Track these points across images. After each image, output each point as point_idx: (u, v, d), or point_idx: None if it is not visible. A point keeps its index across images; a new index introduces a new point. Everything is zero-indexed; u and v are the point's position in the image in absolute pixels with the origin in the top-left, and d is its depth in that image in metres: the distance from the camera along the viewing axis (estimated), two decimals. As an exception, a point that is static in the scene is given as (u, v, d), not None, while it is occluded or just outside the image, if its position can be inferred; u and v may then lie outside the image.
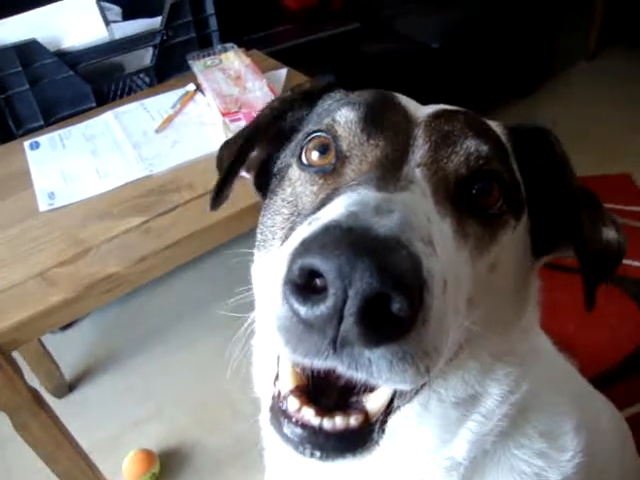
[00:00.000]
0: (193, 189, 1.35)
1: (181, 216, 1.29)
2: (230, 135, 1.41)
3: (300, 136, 0.64)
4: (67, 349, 2.14)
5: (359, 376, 0.41)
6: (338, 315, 0.37)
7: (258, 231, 0.65)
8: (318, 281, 0.37)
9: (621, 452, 0.97)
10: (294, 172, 0.60)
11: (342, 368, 0.41)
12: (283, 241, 0.56)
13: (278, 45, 2.23)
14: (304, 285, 0.38)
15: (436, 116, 0.58)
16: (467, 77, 2.80)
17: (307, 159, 0.58)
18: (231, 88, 1.52)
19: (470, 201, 0.53)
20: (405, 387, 0.43)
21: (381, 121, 0.55)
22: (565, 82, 3.40)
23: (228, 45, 1.71)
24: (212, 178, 1.36)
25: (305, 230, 0.41)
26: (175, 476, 1.79)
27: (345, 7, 2.76)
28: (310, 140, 0.59)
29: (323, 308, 0.37)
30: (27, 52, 1.58)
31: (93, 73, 1.71)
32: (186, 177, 1.39)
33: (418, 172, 0.51)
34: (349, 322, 0.37)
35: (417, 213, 0.42)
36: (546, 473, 0.68)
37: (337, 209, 0.41)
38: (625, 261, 1.99)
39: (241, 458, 1.78)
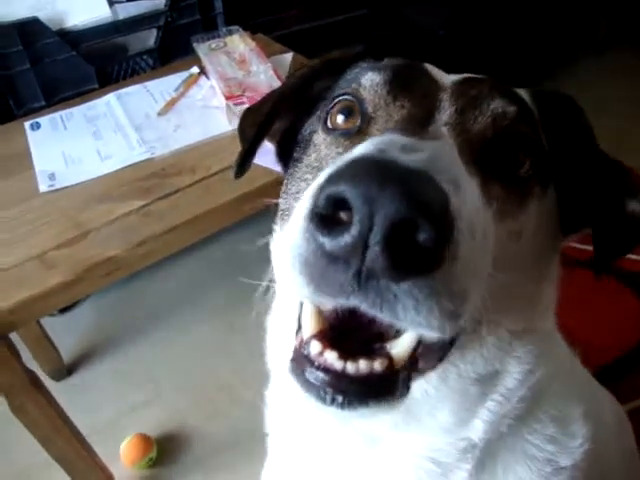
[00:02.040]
0: (195, 173, 1.34)
1: (182, 200, 1.27)
2: (234, 119, 1.40)
3: (326, 103, 0.63)
4: (66, 332, 2.13)
5: (384, 316, 0.39)
6: (363, 244, 0.36)
7: (281, 201, 0.64)
8: (343, 215, 0.36)
9: (623, 445, 0.96)
10: (319, 137, 0.59)
11: (366, 306, 0.39)
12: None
13: (284, 30, 2.22)
14: (329, 217, 0.37)
15: (463, 82, 0.57)
16: (473, 65, 2.76)
17: (332, 123, 0.57)
18: (235, 71, 1.50)
19: (496, 163, 0.52)
20: (431, 333, 0.41)
21: (407, 84, 0.55)
22: (572, 75, 3.36)
23: (233, 28, 1.68)
24: (214, 162, 1.37)
25: (331, 168, 0.39)
26: (172, 461, 1.78)
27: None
28: (335, 104, 0.58)
29: (348, 237, 0.36)
30: (29, 31, 1.57)
31: (96, 53, 1.69)
32: (188, 161, 1.38)
33: (445, 130, 0.50)
34: (375, 251, 0.35)
35: (446, 158, 0.41)
36: (556, 458, 0.67)
37: (364, 148, 0.40)
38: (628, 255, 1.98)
39: (239, 444, 1.78)
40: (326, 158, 0.57)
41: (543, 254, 0.60)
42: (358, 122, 0.55)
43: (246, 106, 1.40)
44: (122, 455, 1.74)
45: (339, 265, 0.37)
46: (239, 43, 1.61)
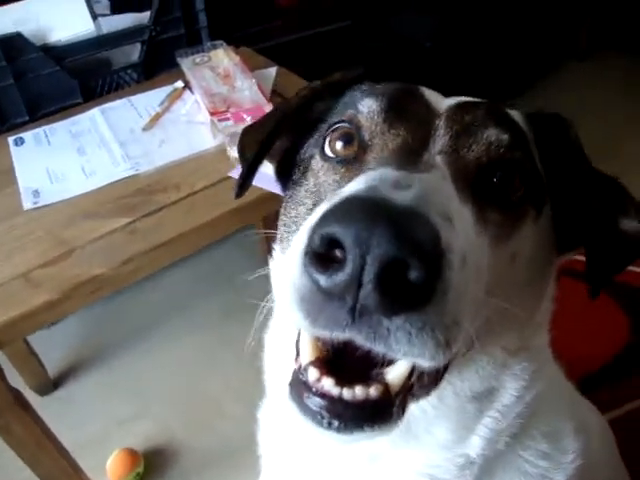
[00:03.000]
0: (180, 190, 1.34)
1: (167, 217, 1.27)
2: (218, 135, 1.40)
3: (324, 126, 0.64)
4: (52, 345, 2.12)
5: (378, 348, 0.41)
6: (357, 282, 0.37)
7: (280, 224, 0.65)
8: (338, 252, 0.37)
9: (608, 455, 0.98)
10: (317, 163, 0.60)
11: (361, 339, 0.40)
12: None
13: (269, 42, 2.22)
14: (324, 255, 0.38)
15: (458, 107, 0.58)
16: (459, 76, 2.80)
17: (331, 149, 0.58)
18: (219, 87, 1.51)
19: (491, 190, 0.53)
20: (425, 362, 0.42)
21: (403, 111, 0.56)
22: (556, 82, 3.41)
23: (217, 42, 1.68)
24: (199, 179, 1.37)
25: (325, 206, 0.41)
26: (160, 476, 1.78)
27: (338, 4, 2.74)
28: (334, 130, 0.59)
29: (342, 275, 0.37)
30: (12, 46, 1.56)
31: (80, 68, 1.68)
32: (173, 177, 1.38)
33: (439, 159, 0.51)
34: (367, 289, 0.37)
35: (436, 191, 0.42)
36: (550, 474, 0.69)
37: (357, 185, 0.41)
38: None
39: (227, 459, 1.78)
40: (324, 184, 0.58)
41: (538, 274, 0.61)
42: (356, 147, 0.57)
43: (230, 122, 1.42)
44: (108, 470, 1.73)
45: (334, 301, 0.39)
46: (223, 57, 1.62)
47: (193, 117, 1.54)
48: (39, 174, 1.42)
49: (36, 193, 1.36)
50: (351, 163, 0.56)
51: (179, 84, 1.67)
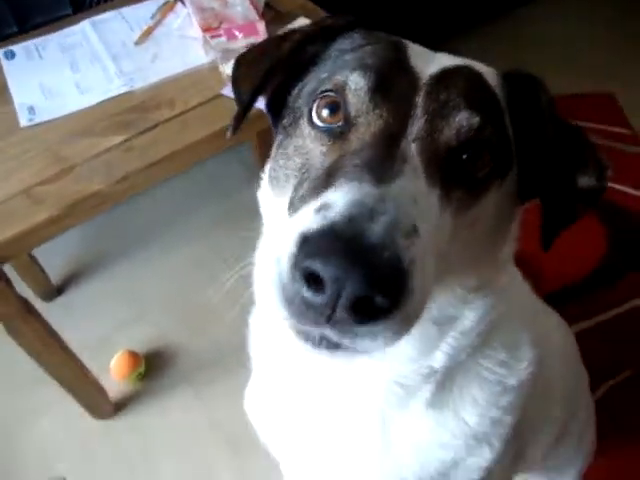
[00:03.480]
0: (173, 106, 1.36)
1: (162, 134, 1.30)
2: (210, 52, 1.41)
3: (314, 83, 0.67)
4: (53, 254, 2.18)
5: (347, 343, 0.49)
6: (333, 305, 0.45)
7: (270, 164, 0.69)
8: (322, 274, 0.45)
9: (564, 366, 1.08)
10: (306, 127, 0.63)
11: (334, 335, 0.48)
12: (294, 188, 0.61)
13: None
14: (308, 275, 0.46)
15: (438, 80, 0.60)
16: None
17: (318, 115, 0.62)
18: (212, 1, 1.49)
19: (460, 166, 0.58)
20: (385, 347, 0.50)
21: (387, 90, 0.59)
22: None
23: (208, -48, 1.64)
24: (192, 95, 1.40)
25: (311, 221, 0.47)
26: (160, 375, 1.90)
27: None
28: (322, 98, 0.62)
29: (322, 298, 0.45)
30: (-2, -46, 1.52)
31: (68, -23, 1.65)
32: (166, 93, 1.39)
33: (413, 147, 0.55)
34: (341, 311, 0.45)
35: (405, 205, 0.48)
36: (505, 380, 0.77)
37: (339, 205, 0.47)
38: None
39: (221, 360, 1.90)
40: (311, 153, 0.61)
41: (498, 226, 0.66)
42: (341, 122, 0.60)
43: (223, 39, 1.42)
44: (112, 370, 1.85)
45: (314, 310, 0.47)
46: (215, -32, 1.58)
47: (185, 32, 1.53)
48: (33, 90, 1.43)
49: (31, 109, 1.38)
50: (337, 138, 0.60)
51: (170, -5, 1.65)
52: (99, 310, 2.10)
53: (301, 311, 0.47)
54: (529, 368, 0.79)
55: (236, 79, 0.76)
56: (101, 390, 1.74)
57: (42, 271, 2.04)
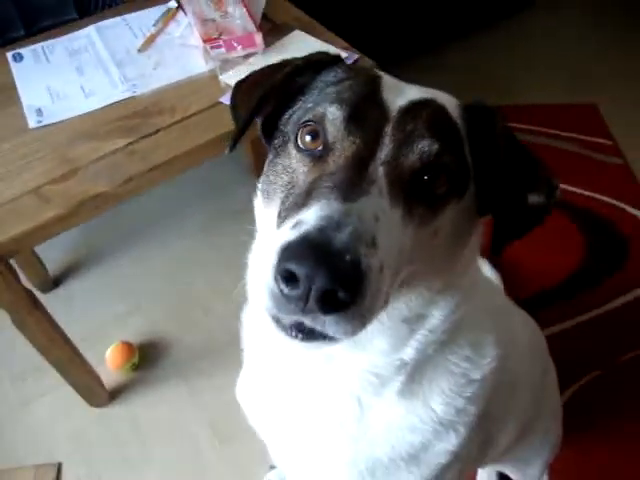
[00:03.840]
0: (175, 113, 1.44)
1: (163, 139, 1.38)
2: (210, 62, 1.49)
3: (300, 112, 0.76)
4: (52, 247, 2.25)
5: (318, 328, 0.59)
6: (305, 297, 0.55)
7: (262, 178, 0.78)
8: (295, 272, 0.55)
9: (531, 363, 1.17)
10: (292, 150, 0.73)
11: (308, 322, 0.59)
12: (282, 201, 0.70)
13: None
14: (287, 275, 0.56)
15: (405, 112, 0.69)
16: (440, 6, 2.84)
17: (301, 140, 0.71)
18: (212, 12, 1.57)
19: (420, 187, 0.67)
20: (349, 335, 0.60)
21: (360, 120, 0.68)
22: (545, 9, 3.42)
23: (210, -36, 1.72)
24: (192, 102, 1.48)
25: (289, 234, 0.57)
26: (153, 366, 1.99)
27: None
28: (305, 126, 0.71)
29: (297, 292, 0.55)
30: (8, -40, 1.60)
31: (75, -17, 1.72)
32: (168, 100, 1.47)
33: (381, 170, 0.64)
34: (312, 302, 0.55)
35: (367, 220, 0.58)
36: (470, 373, 0.87)
37: (311, 220, 0.57)
38: (575, 189, 2.17)
39: (213, 352, 1.99)
40: (296, 172, 0.71)
41: (459, 237, 0.75)
42: (321, 146, 0.69)
43: (222, 50, 1.51)
44: (107, 360, 1.93)
45: (291, 302, 0.57)
46: (216, -20, 1.67)
47: (186, 40, 1.61)
48: (41, 92, 1.51)
49: (39, 112, 1.46)
50: (317, 160, 0.69)
51: (172, 4, 1.73)
52: (95, 302, 2.18)
53: (282, 303, 0.58)
54: (492, 364, 0.88)
55: (234, 103, 0.86)
56: (97, 379, 1.82)
57: (40, 263, 2.11)
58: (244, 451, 1.76)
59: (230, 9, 1.57)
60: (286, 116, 0.79)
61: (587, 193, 2.42)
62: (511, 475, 1.55)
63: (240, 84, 0.87)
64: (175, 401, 1.91)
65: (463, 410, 0.87)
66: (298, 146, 0.71)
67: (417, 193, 0.66)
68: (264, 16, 1.68)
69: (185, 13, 1.68)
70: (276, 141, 0.78)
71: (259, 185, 0.80)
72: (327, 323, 0.58)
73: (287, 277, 0.55)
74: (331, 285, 0.54)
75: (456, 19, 3.05)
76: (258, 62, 1.53)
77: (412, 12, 2.80)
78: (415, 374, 0.83)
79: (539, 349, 1.31)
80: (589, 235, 2.29)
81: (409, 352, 0.78)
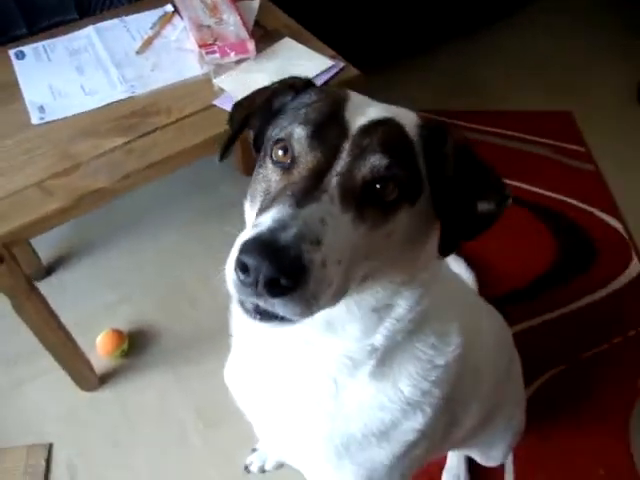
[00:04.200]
0: (170, 114, 1.53)
1: (160, 138, 1.47)
2: (205, 66, 1.59)
3: (277, 130, 0.85)
4: (45, 235, 2.32)
5: (270, 309, 0.69)
6: (255, 283, 0.66)
7: (250, 185, 0.88)
8: (247, 263, 0.66)
9: (495, 353, 1.28)
10: (268, 162, 0.83)
11: (262, 303, 0.69)
12: (259, 206, 0.80)
13: None
14: (243, 266, 0.66)
15: (363, 130, 0.78)
16: (436, 4, 2.95)
17: (274, 154, 0.81)
18: (207, 18, 1.66)
19: (373, 193, 0.76)
20: (297, 316, 0.70)
21: (322, 138, 0.77)
22: (533, 13, 3.54)
23: (205, -30, 1.81)
24: (187, 104, 1.57)
25: (249, 232, 0.68)
26: (142, 353, 2.07)
27: None
28: (277, 142, 0.81)
29: (249, 279, 0.66)
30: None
31: (75, -16, 1.80)
32: (164, 101, 1.56)
33: (334, 180, 0.74)
34: (260, 287, 0.66)
35: (312, 223, 0.68)
36: (434, 359, 0.97)
37: (266, 222, 0.68)
38: (549, 193, 2.31)
39: (200, 341, 2.08)
40: (271, 180, 0.81)
41: (417, 237, 0.84)
42: (289, 160, 0.79)
43: (217, 56, 1.60)
44: (98, 346, 2.01)
45: (247, 287, 0.67)
46: (211, -13, 1.75)
47: (182, 44, 1.69)
48: (43, 90, 1.59)
49: (42, 109, 1.54)
50: (286, 170, 0.79)
51: (169, 8, 1.81)
52: (86, 291, 2.26)
53: (240, 289, 0.69)
54: (455, 351, 0.99)
55: (229, 120, 0.98)
56: (88, 364, 1.90)
57: (34, 252, 2.18)
58: (228, 435, 1.86)
59: (225, 16, 1.66)
60: (269, 132, 0.89)
61: (560, 197, 2.55)
62: (477, 458, 1.66)
63: (238, 104, 0.99)
64: (162, 387, 2.00)
65: (428, 392, 0.98)
66: (272, 159, 0.82)
67: (369, 200, 0.76)
68: (256, 22, 1.77)
69: (181, 17, 1.76)
70: (261, 154, 0.88)
71: (248, 190, 0.90)
72: (276, 305, 0.68)
73: (242, 267, 0.66)
74: (273, 274, 0.64)
75: (443, 24, 3.15)
76: (250, 67, 1.62)
77: (400, 16, 2.89)
78: (385, 358, 0.93)
79: (504, 341, 1.42)
80: (560, 237, 2.42)
81: (379, 338, 0.89)
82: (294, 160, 0.79)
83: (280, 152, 0.81)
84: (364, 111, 0.82)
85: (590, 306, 2.18)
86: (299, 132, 0.79)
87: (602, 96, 3.06)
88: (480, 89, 3.07)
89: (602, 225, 2.45)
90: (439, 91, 3.04)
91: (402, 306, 0.88)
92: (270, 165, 0.82)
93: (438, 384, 0.98)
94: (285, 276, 0.64)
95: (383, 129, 0.79)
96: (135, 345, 2.09)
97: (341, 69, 1.62)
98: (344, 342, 0.89)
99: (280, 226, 0.67)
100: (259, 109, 0.91)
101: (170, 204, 2.54)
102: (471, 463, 1.76)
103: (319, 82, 1.57)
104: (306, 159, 0.78)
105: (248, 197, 0.87)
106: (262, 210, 0.75)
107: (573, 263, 2.34)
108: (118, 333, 2.04)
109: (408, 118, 0.84)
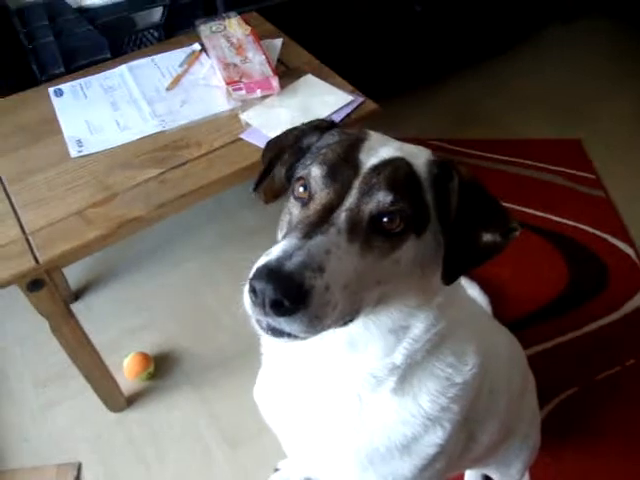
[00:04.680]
0: (200, 147, 1.63)
1: (191, 170, 1.57)
2: (231, 101, 1.69)
3: (300, 168, 0.94)
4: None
5: (277, 326, 0.77)
6: (263, 304, 0.73)
7: (282, 217, 0.94)
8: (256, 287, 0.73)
9: (510, 373, 1.34)
10: (291, 197, 0.91)
11: (270, 321, 0.76)
12: (282, 237, 0.86)
13: (270, 1, 2.38)
14: (254, 289, 0.74)
15: (374, 169, 0.85)
16: (445, 37, 3.04)
17: (296, 190, 0.89)
18: (233, 57, 1.77)
19: (380, 226, 0.83)
20: (302, 335, 0.77)
21: (336, 176, 0.85)
22: (538, 44, 3.62)
23: (231, 13, 1.93)
24: (216, 138, 1.68)
25: (262, 260, 0.76)
26: (167, 376, 2.14)
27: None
28: (297, 180, 0.90)
29: (258, 301, 0.74)
30: (53, 8, 1.80)
31: (109, 27, 1.92)
32: (194, 136, 1.66)
33: (343, 215, 0.81)
34: (267, 308, 0.73)
35: (316, 253, 0.75)
36: (453, 377, 1.03)
37: (275, 252, 0.75)
38: (561, 219, 2.38)
39: (222, 364, 2.14)
40: (293, 213, 0.89)
41: (427, 263, 0.90)
42: (307, 195, 0.87)
43: (243, 92, 1.70)
44: (125, 369, 2.08)
45: (257, 307, 0.74)
46: (237, 28, 1.86)
47: (209, 81, 1.80)
48: (80, 125, 1.70)
49: (79, 142, 1.64)
50: (305, 205, 0.87)
51: (197, 46, 1.93)
52: (112, 316, 2.33)
53: (253, 308, 0.76)
54: (473, 370, 1.05)
55: (263, 156, 1.06)
56: (117, 385, 1.98)
57: (63, 277, 2.28)
58: (251, 455, 1.91)
59: (250, 55, 1.77)
60: (297, 167, 0.97)
61: (571, 223, 2.61)
62: (494, 477, 1.71)
63: (269, 143, 1.07)
64: (187, 408, 2.06)
65: (447, 408, 1.03)
66: (294, 194, 0.90)
67: (376, 231, 0.83)
68: (279, 60, 1.87)
69: (207, 55, 1.87)
70: (290, 188, 0.95)
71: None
72: (283, 323, 0.75)
73: (254, 290, 0.74)
74: (276, 296, 0.72)
75: (450, 56, 3.24)
76: (274, 103, 1.72)
77: (408, 49, 2.99)
78: (406, 375, 0.99)
79: (518, 362, 1.48)
80: (572, 262, 2.47)
81: (398, 357, 0.95)
82: (311, 196, 0.87)
83: (301, 189, 0.89)
84: (377, 151, 0.89)
85: (603, 329, 2.22)
86: (315, 171, 0.87)
87: (609, 124, 3.13)
88: (487, 119, 3.16)
89: (613, 250, 2.50)
90: (448, 121, 3.13)
91: (418, 327, 0.94)
92: (292, 200, 0.90)
93: (456, 400, 1.04)
94: (287, 299, 0.72)
95: (391, 168, 0.86)
96: (160, 368, 2.16)
97: (361, 103, 1.72)
98: (367, 360, 0.96)
99: (286, 255, 0.74)
100: (289, 147, 1.00)
101: (192, 230, 2.63)
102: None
103: (340, 116, 1.66)
104: (320, 195, 0.85)
105: (278, 227, 0.95)
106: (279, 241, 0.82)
107: (586, 287, 2.39)
108: (144, 356, 2.11)
109: (420, 155, 0.91)
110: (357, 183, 0.84)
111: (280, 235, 0.92)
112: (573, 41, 3.69)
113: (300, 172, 0.91)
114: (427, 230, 0.88)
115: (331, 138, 0.96)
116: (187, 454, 1.96)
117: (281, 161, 1.01)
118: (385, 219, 0.83)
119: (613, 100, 3.28)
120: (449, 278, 0.89)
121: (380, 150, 0.89)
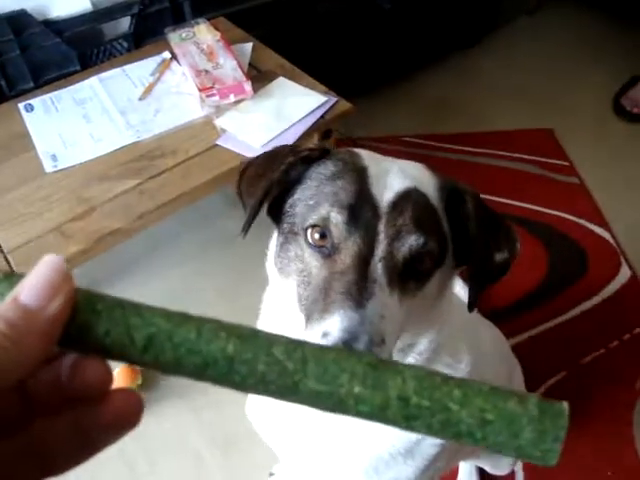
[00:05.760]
0: (176, 155, 1.62)
1: (168, 179, 1.56)
2: (205, 107, 1.68)
3: (303, 206, 0.87)
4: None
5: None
6: None
7: (275, 254, 0.91)
8: None
9: (496, 365, 1.36)
10: (303, 244, 0.84)
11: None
12: (300, 287, 0.83)
13: (237, 6, 2.36)
14: None
15: (393, 207, 0.81)
16: (415, 33, 3.06)
17: (311, 238, 0.83)
18: (205, 63, 1.76)
19: (410, 268, 0.80)
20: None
21: (358, 221, 0.80)
22: (506, 36, 3.67)
23: (200, 19, 1.92)
24: (191, 145, 1.67)
25: (320, 342, 0.70)
26: (155, 386, 2.11)
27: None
28: (313, 227, 0.83)
29: None
30: (18, 22, 1.77)
31: (77, 39, 1.90)
32: (169, 144, 1.66)
33: (379, 266, 0.77)
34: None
35: (376, 322, 0.72)
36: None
37: (335, 333, 0.71)
38: (538, 208, 2.40)
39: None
40: (310, 264, 0.83)
41: (443, 290, 0.90)
42: (329, 244, 0.81)
43: (216, 98, 1.70)
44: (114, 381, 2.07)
45: None
46: (206, 34, 1.85)
47: (182, 88, 1.79)
48: (53, 140, 1.68)
49: (54, 157, 1.62)
50: (327, 257, 0.81)
51: (167, 54, 1.91)
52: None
53: None
54: (467, 368, 1.06)
55: (239, 190, 0.99)
56: (105, 399, 1.96)
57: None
58: (244, 461, 1.91)
59: (221, 60, 1.76)
60: (289, 202, 0.91)
61: (548, 210, 2.64)
62: (486, 468, 1.73)
63: (243, 173, 1.00)
64: (178, 418, 2.05)
65: None
66: (309, 242, 0.84)
67: (407, 274, 0.81)
68: (250, 64, 1.87)
69: (178, 62, 1.86)
70: (285, 226, 0.90)
71: (271, 258, 0.94)
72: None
73: None
74: None
75: (419, 50, 3.26)
76: (248, 107, 1.72)
77: (377, 45, 3.00)
78: None
79: (503, 353, 1.49)
80: (552, 249, 2.50)
81: None
82: (334, 246, 0.81)
83: (317, 236, 0.83)
84: (386, 183, 0.85)
85: (586, 313, 2.26)
86: (336, 217, 0.81)
87: (580, 112, 3.19)
88: (460, 113, 3.18)
89: (590, 234, 2.54)
90: (421, 117, 3.15)
91: (423, 343, 0.95)
92: (306, 247, 0.84)
93: None
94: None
95: (412, 205, 0.82)
96: (148, 379, 2.14)
97: (334, 103, 1.72)
98: None
99: (352, 337, 0.70)
100: (277, 183, 0.91)
101: (177, 240, 2.61)
102: (482, 472, 1.82)
103: (314, 117, 1.67)
104: (347, 245, 0.80)
105: (275, 265, 0.91)
106: (312, 309, 0.78)
107: (566, 273, 2.42)
108: (132, 369, 2.09)
109: (427, 182, 0.89)
110: (382, 227, 0.80)
111: (282, 277, 0.88)
112: (542, 31, 3.73)
113: (312, 217, 0.84)
114: (446, 258, 0.87)
115: (323, 168, 0.90)
116: (179, 464, 1.94)
117: (268, 196, 0.94)
118: (417, 260, 0.81)
119: (583, 87, 3.33)
120: (473, 302, 0.89)
121: (388, 180, 0.85)
